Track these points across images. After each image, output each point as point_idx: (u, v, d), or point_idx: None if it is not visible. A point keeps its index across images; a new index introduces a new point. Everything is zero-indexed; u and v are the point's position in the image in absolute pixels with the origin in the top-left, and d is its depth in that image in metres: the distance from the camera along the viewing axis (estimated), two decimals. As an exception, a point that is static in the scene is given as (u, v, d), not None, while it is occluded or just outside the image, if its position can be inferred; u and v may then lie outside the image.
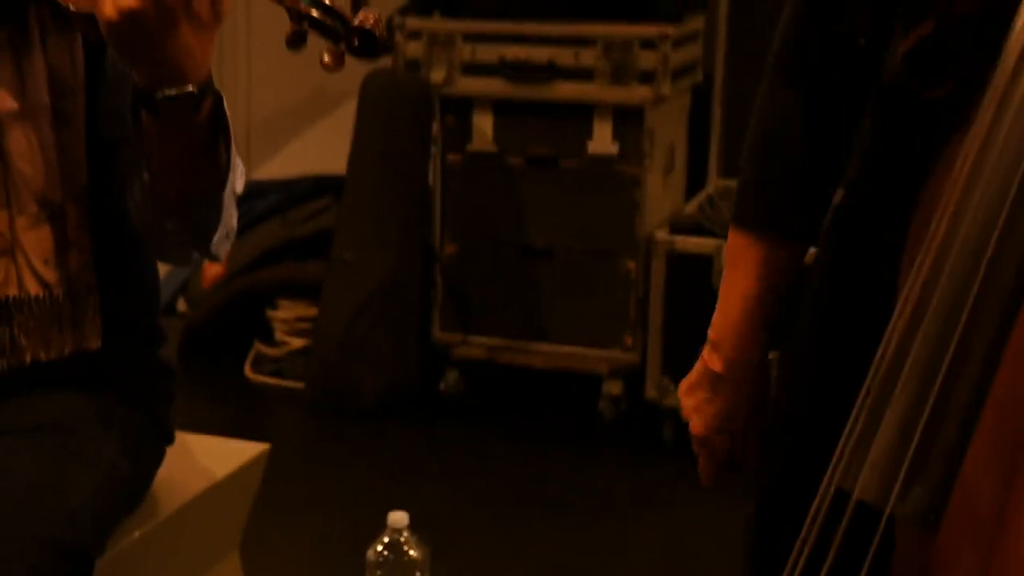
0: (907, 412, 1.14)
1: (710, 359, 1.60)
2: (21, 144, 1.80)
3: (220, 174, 1.72)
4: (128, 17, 1.51)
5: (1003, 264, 1.12)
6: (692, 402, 1.63)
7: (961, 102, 1.28)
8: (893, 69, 1.39)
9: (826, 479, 1.20)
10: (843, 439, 1.19)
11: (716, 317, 1.60)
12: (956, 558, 1.17)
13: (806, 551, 1.21)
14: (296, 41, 1.58)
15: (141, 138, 1.67)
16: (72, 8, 1.64)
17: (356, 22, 1.58)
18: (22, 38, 1.78)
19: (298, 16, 1.58)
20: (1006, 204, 1.11)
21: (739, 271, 1.56)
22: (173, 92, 1.59)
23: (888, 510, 1.14)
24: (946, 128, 1.27)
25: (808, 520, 1.22)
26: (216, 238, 1.78)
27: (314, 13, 1.58)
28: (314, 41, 1.61)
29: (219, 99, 1.66)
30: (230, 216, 1.80)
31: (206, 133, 1.66)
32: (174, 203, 1.74)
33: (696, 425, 1.63)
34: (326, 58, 1.59)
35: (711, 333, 1.60)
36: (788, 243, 1.54)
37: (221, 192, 1.73)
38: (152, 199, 1.74)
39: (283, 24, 1.66)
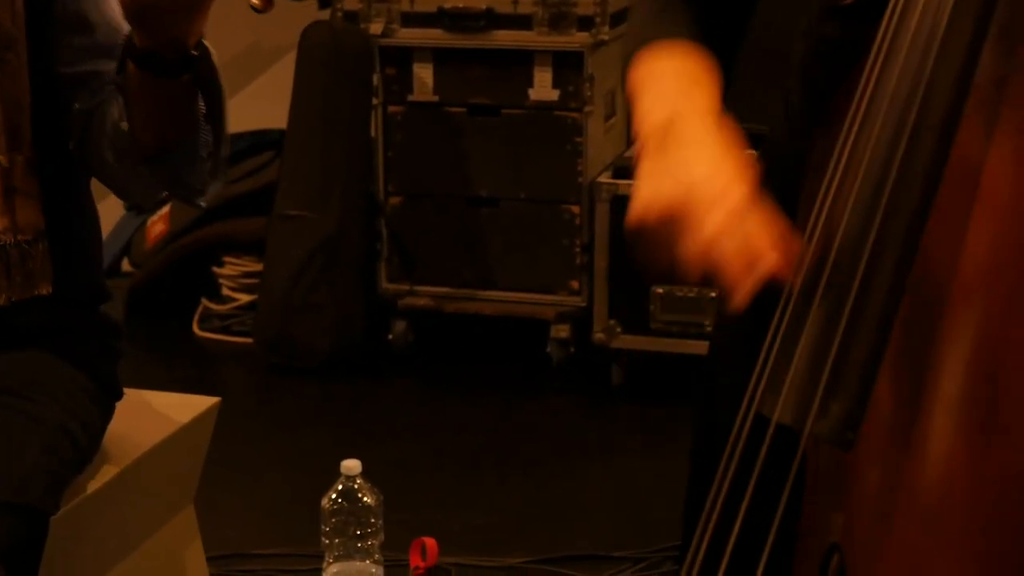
0: (821, 333, 1.15)
1: (637, 137, 1.35)
2: None
3: (196, 123, 1.74)
4: None
5: (907, 184, 1.13)
6: (648, 183, 1.28)
7: (872, 14, 1.26)
8: None
9: (744, 404, 1.21)
10: (759, 365, 1.20)
11: (637, 116, 1.36)
12: (864, 468, 1.19)
13: (728, 478, 1.21)
14: None
15: (125, 88, 1.69)
16: None
17: None
18: None
19: None
20: (908, 124, 1.13)
21: (657, 75, 1.38)
22: (170, 50, 1.63)
23: (807, 431, 1.15)
24: (848, 57, 1.27)
25: (728, 447, 1.22)
26: (212, 183, 1.82)
27: None
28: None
29: (207, 54, 1.69)
30: (223, 159, 1.81)
31: (190, 86, 1.69)
32: (152, 150, 1.75)
33: (666, 189, 1.25)
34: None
35: (634, 130, 1.37)
36: (702, 46, 1.40)
37: (197, 139, 1.76)
38: (130, 146, 1.75)
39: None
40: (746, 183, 1.22)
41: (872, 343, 1.14)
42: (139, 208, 4.12)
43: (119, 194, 1.95)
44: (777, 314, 1.19)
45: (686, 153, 1.25)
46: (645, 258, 1.23)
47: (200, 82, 1.71)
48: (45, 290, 1.87)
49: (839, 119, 1.21)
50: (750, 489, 1.19)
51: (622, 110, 4.29)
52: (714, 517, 1.23)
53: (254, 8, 1.62)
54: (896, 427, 1.16)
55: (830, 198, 1.17)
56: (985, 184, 1.13)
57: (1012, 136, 1.13)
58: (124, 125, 1.74)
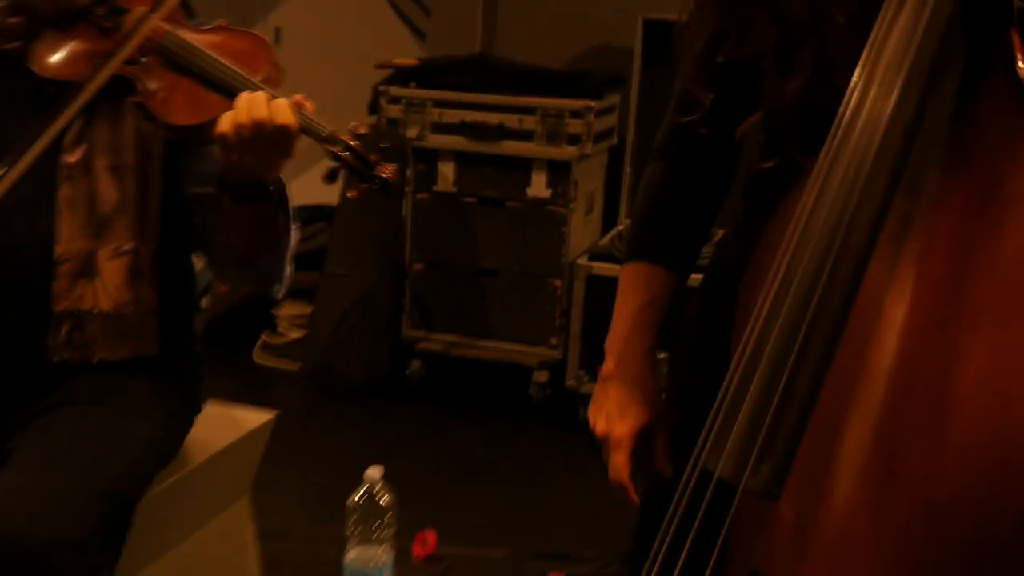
0: (758, 405, 1.13)
1: (604, 365, 1.54)
2: (111, 193, 1.80)
3: (278, 238, 1.75)
4: (235, 135, 1.59)
5: (830, 299, 1.12)
6: (594, 411, 1.52)
7: (787, 172, 1.29)
8: (743, 145, 1.43)
9: (692, 460, 1.19)
10: (706, 428, 1.18)
11: (610, 332, 1.55)
12: (782, 509, 1.17)
13: (676, 521, 1.20)
14: (331, 177, 1.63)
15: (219, 212, 1.70)
16: (165, 120, 1.67)
17: (378, 171, 1.62)
18: (118, 109, 1.79)
19: (336, 159, 1.61)
20: (832, 252, 1.12)
21: (628, 293, 1.55)
22: (254, 187, 1.65)
23: (742, 485, 1.14)
24: (778, 191, 1.28)
25: (677, 494, 1.20)
26: (277, 289, 1.85)
27: (349, 159, 1.61)
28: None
29: (282, 185, 1.70)
30: (288, 265, 1.83)
31: (271, 210, 1.70)
32: (240, 259, 1.77)
33: (600, 426, 1.51)
34: (350, 193, 1.66)
35: (606, 345, 1.55)
36: (666, 271, 1.55)
37: (278, 250, 1.77)
38: (224, 255, 1.78)
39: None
40: (630, 439, 1.49)
41: (798, 417, 1.13)
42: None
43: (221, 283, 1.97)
44: (723, 389, 1.18)
45: (611, 405, 1.50)
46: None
47: (279, 206, 1.72)
48: (152, 352, 1.86)
49: (778, 237, 1.20)
50: (694, 528, 1.17)
51: (599, 208, 4.30)
52: (663, 550, 1.21)
53: (351, 199, 1.68)
54: (810, 478, 1.15)
55: (769, 301, 1.16)
56: (888, 300, 1.13)
57: (913, 262, 1.13)
58: (220, 238, 1.76)
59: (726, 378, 1.18)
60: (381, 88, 4.14)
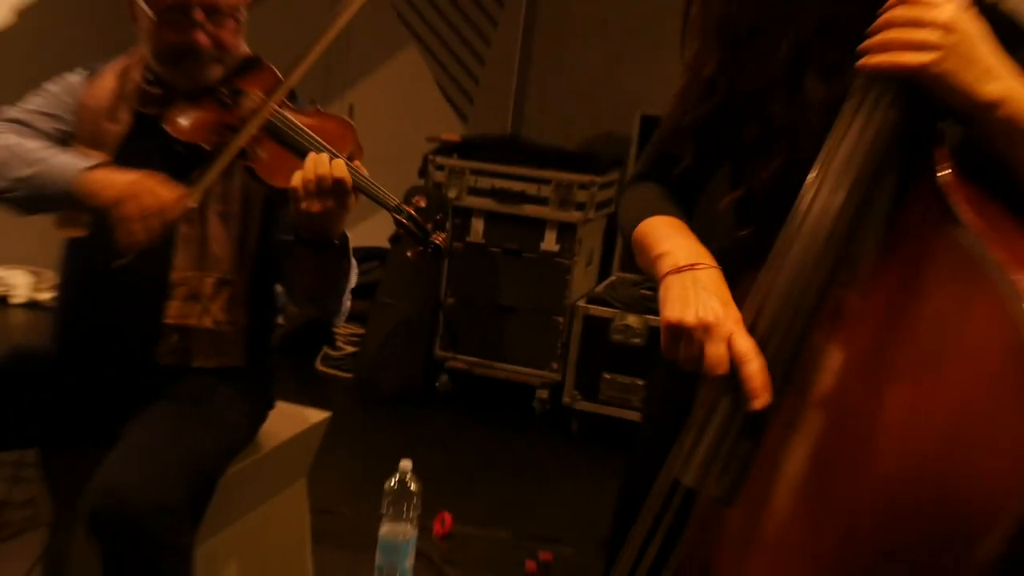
0: (720, 431, 1.14)
1: (668, 260, 1.22)
2: (218, 233, 1.82)
3: (340, 280, 1.76)
4: (303, 187, 1.59)
5: (784, 348, 1.13)
6: (685, 305, 1.16)
7: (755, 239, 1.29)
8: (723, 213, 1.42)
9: (665, 470, 1.19)
10: (677, 446, 1.18)
11: (658, 249, 1.24)
12: (732, 513, 1.17)
13: (649, 518, 1.20)
14: (395, 240, 1.64)
15: (294, 257, 1.71)
16: (269, 183, 1.69)
17: (433, 238, 1.63)
18: (230, 169, 1.77)
19: (400, 225, 1.63)
20: (786, 314, 1.12)
21: (658, 233, 1.27)
22: (321, 240, 1.66)
23: (707, 492, 1.14)
24: (750, 254, 1.28)
25: (651, 498, 1.20)
26: (337, 318, 1.84)
27: (411, 227, 1.63)
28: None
29: (346, 240, 1.71)
30: (347, 300, 1.83)
31: (335, 259, 1.71)
32: (309, 295, 1.78)
33: (702, 314, 1.15)
34: (409, 253, 1.65)
35: (658, 254, 1.23)
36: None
37: (339, 289, 1.77)
38: (297, 289, 1.79)
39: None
40: (740, 322, 1.16)
41: (754, 440, 1.13)
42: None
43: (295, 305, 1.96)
44: (692, 415, 1.17)
45: (707, 295, 1.17)
46: (668, 352, 1.18)
47: (342, 255, 1.73)
48: (240, 363, 1.88)
49: (742, 297, 1.20)
50: (665, 525, 1.17)
51: (597, 261, 4.30)
52: (638, 542, 1.21)
53: (408, 258, 1.66)
54: (757, 489, 1.15)
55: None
56: (828, 353, 1.13)
57: (850, 324, 1.13)
58: (294, 279, 1.78)
59: (695, 406, 1.18)
60: (430, 157, 4.16)
